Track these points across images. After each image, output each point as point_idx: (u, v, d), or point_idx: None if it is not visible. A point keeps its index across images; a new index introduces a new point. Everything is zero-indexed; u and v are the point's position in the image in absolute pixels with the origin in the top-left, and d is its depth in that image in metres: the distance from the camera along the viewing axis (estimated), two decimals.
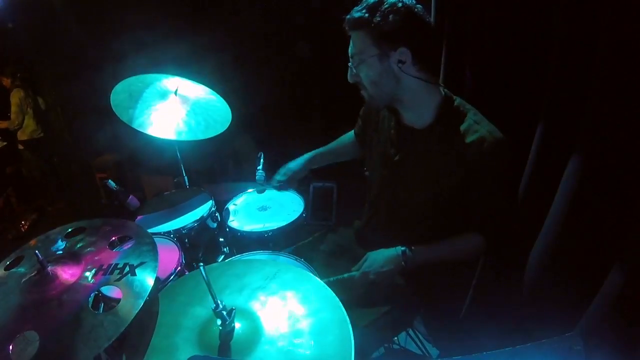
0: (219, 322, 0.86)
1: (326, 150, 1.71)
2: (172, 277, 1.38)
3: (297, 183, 1.68)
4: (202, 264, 0.89)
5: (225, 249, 1.85)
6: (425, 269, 1.30)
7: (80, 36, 3.29)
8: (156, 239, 1.02)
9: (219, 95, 1.83)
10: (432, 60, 1.27)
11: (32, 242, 1.06)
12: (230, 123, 1.76)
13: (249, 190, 1.95)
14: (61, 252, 0.99)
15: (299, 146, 1.74)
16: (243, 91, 2.51)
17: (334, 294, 0.96)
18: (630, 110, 0.87)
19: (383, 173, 1.42)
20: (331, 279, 1.31)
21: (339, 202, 1.75)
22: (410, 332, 1.68)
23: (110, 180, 1.66)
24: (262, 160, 1.66)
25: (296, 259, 1.40)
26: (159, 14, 2.91)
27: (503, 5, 1.31)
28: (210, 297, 0.86)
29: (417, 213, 1.36)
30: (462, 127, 1.22)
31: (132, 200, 1.73)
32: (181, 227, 1.65)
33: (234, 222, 1.74)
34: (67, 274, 0.89)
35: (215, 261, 1.76)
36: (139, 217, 1.77)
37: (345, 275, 1.33)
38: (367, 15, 1.15)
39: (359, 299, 1.32)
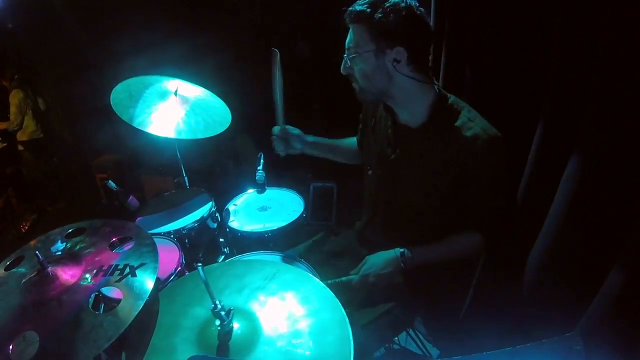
0: (217, 322, 0.87)
1: (328, 142, 1.66)
2: (172, 278, 1.38)
3: (286, 147, 1.55)
4: (200, 264, 0.89)
5: (225, 249, 1.85)
6: (425, 269, 1.31)
7: (80, 36, 3.29)
8: (156, 239, 1.02)
9: (218, 97, 1.83)
10: (426, 62, 1.27)
11: (33, 242, 1.05)
12: (230, 123, 1.76)
13: (249, 190, 1.95)
14: (61, 252, 0.99)
15: None
16: (243, 91, 2.51)
17: (333, 295, 0.96)
18: (630, 110, 0.87)
19: (380, 172, 1.43)
20: (330, 281, 1.31)
21: (339, 202, 1.75)
22: (411, 332, 1.68)
23: (110, 181, 1.66)
24: (262, 160, 1.66)
25: (298, 260, 1.40)
26: (159, 14, 2.91)
27: (503, 5, 1.31)
28: (209, 298, 0.86)
29: (415, 212, 1.36)
30: (456, 125, 1.22)
31: (132, 200, 1.73)
32: (181, 228, 1.65)
33: (234, 223, 1.74)
34: (67, 274, 0.89)
35: (216, 261, 1.76)
36: (139, 218, 1.77)
37: (344, 278, 1.33)
38: (369, 10, 1.15)
39: (358, 301, 1.32)
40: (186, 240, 1.66)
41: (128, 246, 1.00)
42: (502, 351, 0.64)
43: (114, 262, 0.93)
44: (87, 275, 0.90)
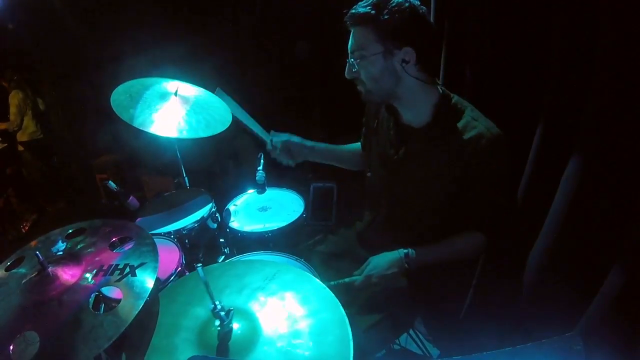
0: (217, 322, 0.87)
1: (329, 147, 1.66)
2: (172, 278, 1.38)
3: (288, 155, 1.56)
4: (200, 264, 0.89)
5: (225, 250, 1.85)
6: (426, 270, 1.30)
7: (80, 36, 3.29)
8: (156, 240, 1.02)
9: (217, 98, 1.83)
10: (432, 62, 1.27)
11: (33, 243, 1.06)
12: (231, 123, 1.76)
13: (249, 190, 1.95)
14: (62, 252, 0.99)
15: None
16: (243, 91, 2.51)
17: (333, 295, 0.96)
18: (630, 110, 0.87)
19: (383, 173, 1.42)
20: (333, 282, 1.30)
21: (339, 202, 1.76)
22: (411, 332, 1.68)
23: (110, 181, 1.66)
24: (262, 161, 1.66)
25: (297, 260, 1.40)
26: (159, 15, 2.91)
27: (503, 5, 1.31)
28: (209, 298, 0.86)
29: (417, 212, 1.36)
30: (460, 124, 1.22)
31: (132, 200, 1.73)
32: (181, 228, 1.65)
33: (234, 223, 1.74)
34: (67, 274, 0.90)
35: (216, 262, 1.76)
36: (139, 218, 1.77)
37: (347, 279, 1.33)
38: (373, 11, 1.13)
39: (360, 302, 1.32)
40: (186, 241, 1.66)
41: (128, 246, 1.00)
42: (502, 351, 0.64)
43: (114, 262, 0.93)
44: (88, 275, 0.90)
